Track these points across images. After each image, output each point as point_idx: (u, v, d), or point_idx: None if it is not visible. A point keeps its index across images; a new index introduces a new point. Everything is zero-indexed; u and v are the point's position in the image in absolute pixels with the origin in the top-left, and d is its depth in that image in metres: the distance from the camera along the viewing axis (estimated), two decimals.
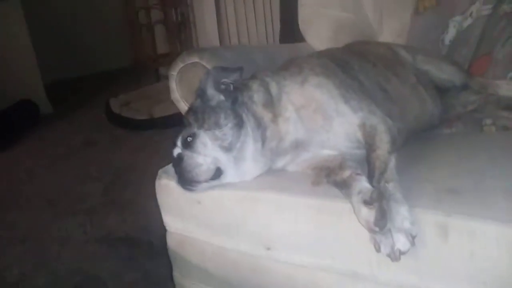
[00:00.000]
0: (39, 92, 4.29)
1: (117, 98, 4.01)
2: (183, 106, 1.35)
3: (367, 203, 0.82)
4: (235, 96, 1.08)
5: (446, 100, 1.50)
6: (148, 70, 4.93)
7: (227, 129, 1.03)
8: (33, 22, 4.22)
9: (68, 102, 4.60)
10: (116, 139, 3.51)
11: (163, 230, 1.29)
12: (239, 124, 1.04)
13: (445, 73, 1.52)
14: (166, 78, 1.44)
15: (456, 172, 0.99)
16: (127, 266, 1.86)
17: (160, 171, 1.20)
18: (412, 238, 0.81)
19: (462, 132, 1.34)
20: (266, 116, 1.08)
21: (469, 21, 1.65)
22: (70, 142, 3.55)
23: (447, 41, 1.72)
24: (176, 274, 1.29)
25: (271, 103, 1.09)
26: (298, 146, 1.10)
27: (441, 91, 1.51)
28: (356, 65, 1.28)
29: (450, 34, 1.71)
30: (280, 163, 1.12)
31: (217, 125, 1.03)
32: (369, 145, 1.01)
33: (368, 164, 0.97)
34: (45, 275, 1.87)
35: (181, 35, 4.65)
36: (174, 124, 1.09)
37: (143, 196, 2.29)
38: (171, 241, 1.25)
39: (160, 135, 3.28)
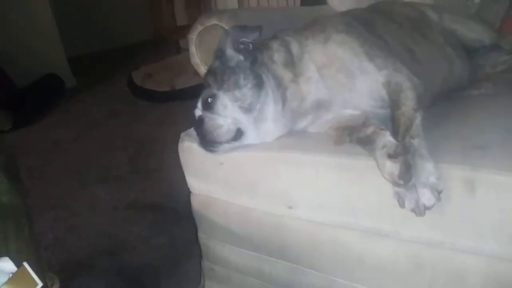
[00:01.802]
0: (63, 66, 4.36)
1: (139, 70, 4.03)
2: (203, 70, 1.34)
3: (391, 156, 0.81)
4: (255, 56, 1.06)
5: (475, 61, 1.45)
6: (168, 42, 4.92)
7: (247, 90, 1.02)
8: None
9: (91, 76, 4.66)
10: (139, 110, 3.56)
11: (186, 196, 1.32)
12: (259, 85, 1.03)
13: (474, 33, 1.46)
14: (187, 50, 1.43)
15: (483, 129, 0.96)
16: (153, 231, 1.92)
17: (182, 134, 1.22)
18: (438, 193, 0.80)
19: (491, 93, 1.29)
20: (287, 76, 1.06)
21: None
22: (94, 114, 3.62)
23: (476, 0, 1.64)
24: (201, 235, 1.32)
25: (292, 63, 1.07)
26: (320, 106, 1.08)
27: (470, 51, 1.45)
28: (381, 25, 1.24)
29: None
30: (301, 124, 1.11)
31: (237, 86, 1.02)
32: (394, 103, 0.98)
33: (393, 122, 0.95)
34: (77, 239, 1.96)
35: (201, 6, 4.60)
36: (196, 96, 1.09)
37: (167, 165, 2.33)
38: (195, 203, 1.28)
39: (182, 106, 3.30)
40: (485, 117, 1.07)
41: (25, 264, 0.61)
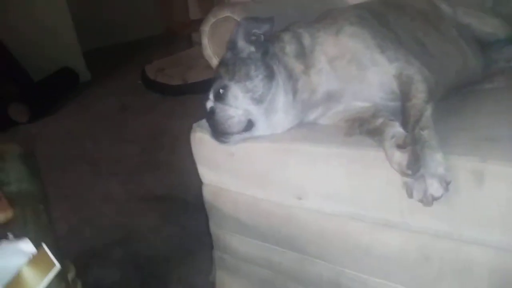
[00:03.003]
0: (78, 60, 4.42)
1: (152, 64, 4.07)
2: (216, 63, 1.35)
3: (400, 147, 0.82)
4: (266, 48, 1.07)
5: (489, 54, 1.43)
6: (181, 36, 4.95)
7: (258, 81, 1.03)
8: None
9: (104, 69, 4.72)
10: (151, 104, 3.60)
11: (197, 188, 1.34)
12: (270, 76, 1.04)
13: (488, 26, 1.44)
14: (199, 44, 1.44)
15: (494, 122, 0.96)
16: (165, 221, 1.95)
17: (194, 125, 1.23)
18: (446, 184, 0.80)
19: (505, 87, 1.28)
20: (298, 67, 1.07)
21: None
22: (107, 107, 3.67)
23: None
24: (212, 225, 1.35)
25: (303, 55, 1.08)
26: (330, 98, 1.09)
27: (484, 45, 1.44)
28: (393, 19, 1.24)
29: None
30: (312, 115, 1.12)
31: (248, 77, 1.03)
32: (404, 95, 0.99)
33: (403, 113, 0.95)
34: (90, 229, 2.00)
35: (214, 0, 4.61)
36: (207, 89, 1.11)
37: (178, 157, 2.37)
38: (206, 193, 1.30)
39: (193, 100, 3.32)
40: (497, 110, 1.06)
41: (44, 245, 0.64)
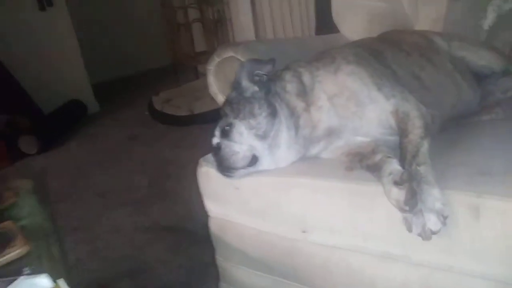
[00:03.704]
0: (87, 92, 4.55)
1: (158, 96, 4.17)
2: (221, 99, 1.41)
3: (397, 183, 0.85)
4: (269, 87, 1.13)
5: (485, 87, 1.47)
6: (187, 68, 5.08)
7: (262, 118, 1.08)
8: (79, 26, 4.47)
9: (112, 101, 4.83)
10: (158, 134, 3.67)
11: (204, 219, 1.37)
12: (273, 113, 1.09)
13: (483, 59, 1.49)
14: (204, 75, 1.51)
15: (490, 156, 0.99)
16: (173, 253, 1.97)
17: (201, 160, 1.28)
18: (444, 219, 0.83)
19: (502, 118, 1.32)
20: (299, 105, 1.12)
21: (511, 3, 1.61)
22: (115, 138, 3.75)
23: (486, 26, 1.68)
24: (218, 257, 1.37)
25: (303, 93, 1.13)
26: (331, 133, 1.13)
27: (480, 77, 1.48)
28: (389, 55, 1.29)
29: (490, 19, 1.68)
30: (314, 150, 1.16)
31: (252, 115, 1.08)
32: (401, 131, 1.03)
33: (401, 149, 0.99)
34: (98, 261, 2.02)
35: (218, 33, 4.75)
36: (213, 120, 1.16)
37: (185, 187, 2.40)
38: (213, 226, 1.33)
39: (200, 130, 3.39)
40: (493, 143, 1.10)
41: (61, 281, 0.67)
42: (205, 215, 1.36)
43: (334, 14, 2.00)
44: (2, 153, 3.36)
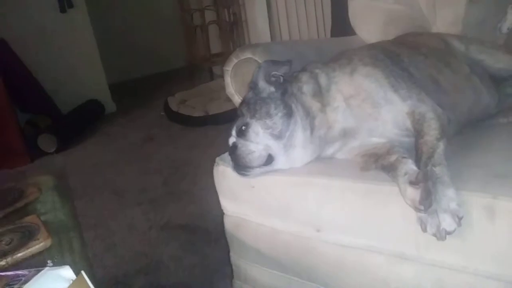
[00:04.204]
0: (104, 92, 4.63)
1: (174, 96, 4.22)
2: (237, 100, 1.44)
3: (412, 183, 0.86)
4: (285, 88, 1.14)
5: (503, 89, 1.47)
6: (202, 69, 5.13)
7: (277, 118, 1.10)
8: (97, 28, 4.56)
9: (129, 101, 4.91)
10: (174, 134, 3.72)
11: (218, 217, 1.39)
12: (289, 114, 1.11)
13: (501, 62, 1.48)
14: (220, 76, 1.53)
15: (507, 158, 0.99)
16: (186, 251, 2.00)
17: (217, 159, 1.30)
18: (459, 219, 0.83)
19: None
20: (315, 105, 1.13)
21: None
22: (131, 138, 3.81)
23: (504, 29, 1.67)
24: (232, 255, 1.39)
25: (320, 94, 1.15)
26: (347, 134, 1.14)
27: (498, 80, 1.48)
28: (406, 58, 1.29)
29: (509, 21, 1.67)
30: (329, 150, 1.17)
31: (268, 115, 1.10)
32: (417, 132, 1.03)
33: (416, 150, 1.00)
34: (113, 257, 2.06)
35: (234, 35, 4.79)
36: (227, 120, 1.18)
37: (200, 187, 2.44)
38: (228, 224, 1.35)
39: (214, 131, 3.42)
40: (509, 145, 1.09)
41: (83, 272, 0.70)
42: (219, 215, 1.38)
43: (351, 16, 2.01)
44: (22, 151, 3.45)
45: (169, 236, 2.17)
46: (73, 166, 3.31)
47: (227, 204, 1.32)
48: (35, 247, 0.91)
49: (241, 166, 1.14)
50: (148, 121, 4.21)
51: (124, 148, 3.60)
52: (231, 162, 1.18)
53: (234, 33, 4.75)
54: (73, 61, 4.31)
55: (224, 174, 1.26)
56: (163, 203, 2.51)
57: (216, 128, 3.47)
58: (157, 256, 2.01)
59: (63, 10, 4.12)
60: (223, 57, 4.29)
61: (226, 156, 1.24)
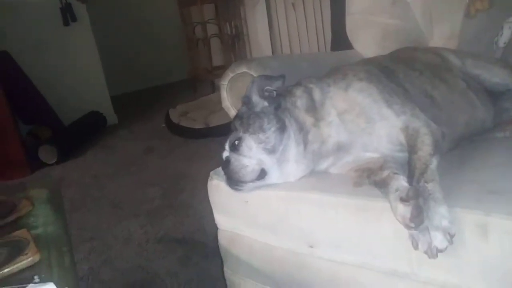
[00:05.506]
0: (107, 104, 4.66)
1: (175, 108, 4.24)
2: (233, 113, 1.44)
3: (403, 200, 0.85)
4: (278, 102, 1.14)
5: (499, 104, 1.46)
6: (204, 82, 5.16)
7: (270, 133, 1.10)
8: (100, 40, 4.60)
9: (130, 113, 4.93)
10: (174, 147, 3.72)
11: (215, 232, 1.38)
12: (282, 128, 1.11)
13: (498, 77, 1.48)
14: None
15: (502, 174, 0.98)
16: (183, 265, 1.98)
17: (211, 173, 1.30)
18: (450, 237, 0.82)
19: None
20: (308, 120, 1.13)
21: None
22: (132, 150, 3.81)
23: (501, 44, 1.67)
24: (226, 270, 1.37)
25: (313, 108, 1.15)
26: (340, 148, 1.14)
27: (494, 94, 1.47)
28: (401, 73, 1.29)
29: (505, 36, 1.66)
30: (322, 165, 1.17)
31: (261, 129, 1.10)
32: (411, 147, 1.03)
33: (409, 166, 0.99)
34: (110, 270, 2.04)
35: (235, 48, 4.83)
36: (227, 133, 1.19)
37: (198, 200, 2.43)
38: (222, 239, 1.34)
39: (215, 143, 3.42)
40: (505, 161, 1.08)
41: None
42: (215, 229, 1.37)
43: (348, 30, 2.02)
44: (23, 162, 3.46)
45: (166, 249, 2.15)
46: (72, 178, 3.31)
47: (221, 219, 1.31)
48: (22, 262, 0.90)
49: (234, 181, 1.13)
50: (149, 133, 4.22)
51: (125, 160, 3.60)
52: (224, 177, 1.17)
53: (235, 46, 4.79)
54: (75, 73, 4.35)
55: (218, 188, 1.26)
56: (160, 216, 2.49)
57: (217, 140, 3.46)
58: (154, 270, 1.99)
59: (66, 23, 4.17)
60: (224, 70, 4.31)
61: (220, 170, 1.24)
